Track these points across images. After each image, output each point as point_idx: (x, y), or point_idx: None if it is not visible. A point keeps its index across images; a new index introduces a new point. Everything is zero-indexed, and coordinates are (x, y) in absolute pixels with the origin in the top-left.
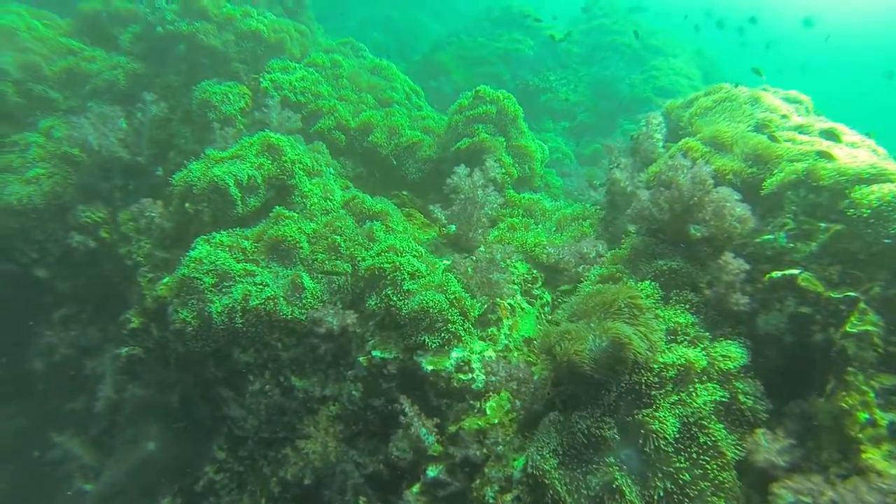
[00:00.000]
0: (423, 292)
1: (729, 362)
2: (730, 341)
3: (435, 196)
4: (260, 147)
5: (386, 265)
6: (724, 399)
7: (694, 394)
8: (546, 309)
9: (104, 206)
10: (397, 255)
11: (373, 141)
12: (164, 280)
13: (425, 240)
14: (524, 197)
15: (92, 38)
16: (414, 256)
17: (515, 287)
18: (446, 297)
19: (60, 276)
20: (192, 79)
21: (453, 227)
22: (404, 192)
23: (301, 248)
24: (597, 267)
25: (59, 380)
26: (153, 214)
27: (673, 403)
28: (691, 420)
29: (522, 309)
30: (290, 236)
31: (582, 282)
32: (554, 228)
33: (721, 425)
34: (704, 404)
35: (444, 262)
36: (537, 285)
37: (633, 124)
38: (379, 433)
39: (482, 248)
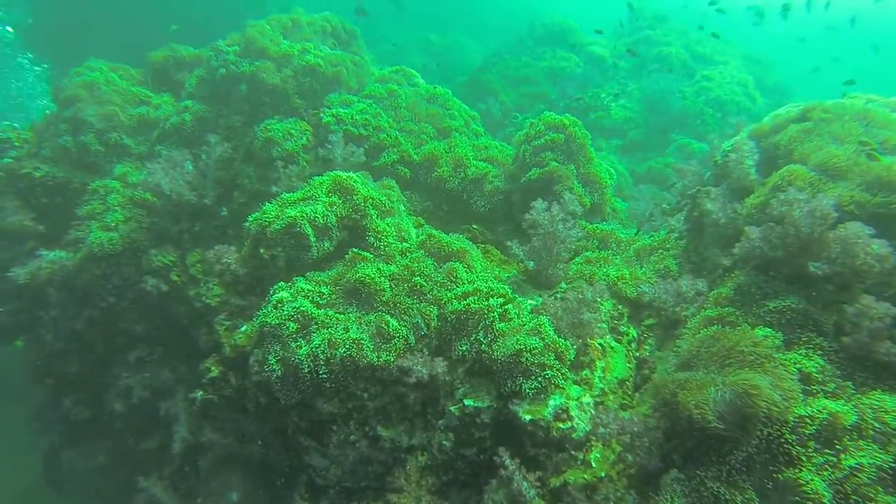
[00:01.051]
0: (516, 336)
1: (887, 417)
2: (881, 392)
3: (505, 229)
4: (330, 186)
5: (474, 307)
6: (888, 463)
7: (845, 454)
8: (633, 345)
9: (174, 248)
10: (485, 298)
11: (438, 175)
12: (243, 328)
13: (506, 278)
14: (597, 228)
15: (161, 84)
16: (500, 297)
17: (604, 325)
18: (541, 340)
19: (135, 319)
20: (253, 118)
21: (532, 264)
22: (475, 226)
23: (383, 291)
24: (699, 307)
25: (135, 420)
26: (229, 261)
27: (819, 465)
28: (847, 487)
29: (612, 348)
30: (371, 279)
31: (680, 322)
32: (634, 259)
33: (893, 498)
34: (860, 467)
35: (530, 301)
36: (623, 321)
37: (687, 139)
38: (470, 483)
39: (563, 285)
